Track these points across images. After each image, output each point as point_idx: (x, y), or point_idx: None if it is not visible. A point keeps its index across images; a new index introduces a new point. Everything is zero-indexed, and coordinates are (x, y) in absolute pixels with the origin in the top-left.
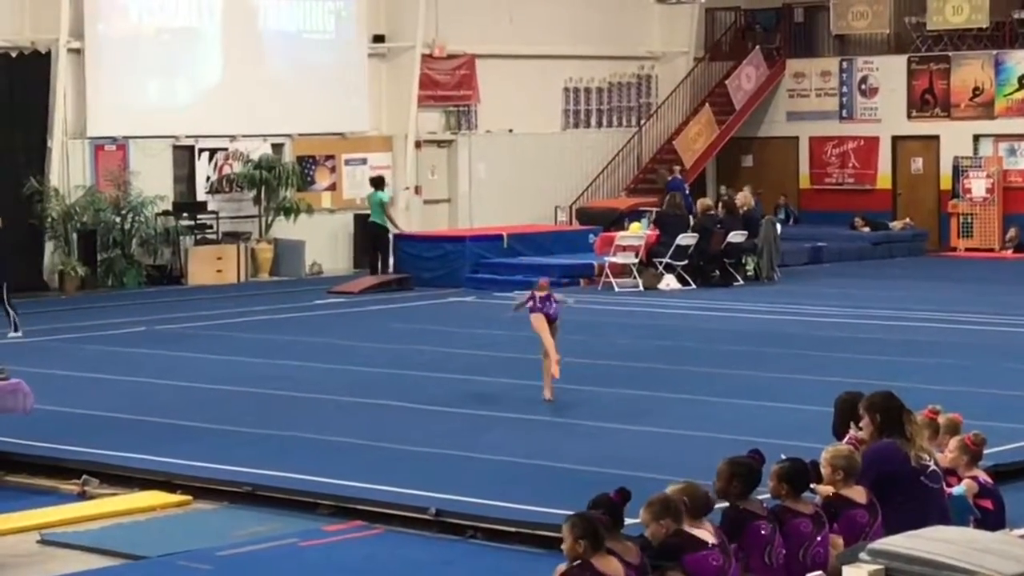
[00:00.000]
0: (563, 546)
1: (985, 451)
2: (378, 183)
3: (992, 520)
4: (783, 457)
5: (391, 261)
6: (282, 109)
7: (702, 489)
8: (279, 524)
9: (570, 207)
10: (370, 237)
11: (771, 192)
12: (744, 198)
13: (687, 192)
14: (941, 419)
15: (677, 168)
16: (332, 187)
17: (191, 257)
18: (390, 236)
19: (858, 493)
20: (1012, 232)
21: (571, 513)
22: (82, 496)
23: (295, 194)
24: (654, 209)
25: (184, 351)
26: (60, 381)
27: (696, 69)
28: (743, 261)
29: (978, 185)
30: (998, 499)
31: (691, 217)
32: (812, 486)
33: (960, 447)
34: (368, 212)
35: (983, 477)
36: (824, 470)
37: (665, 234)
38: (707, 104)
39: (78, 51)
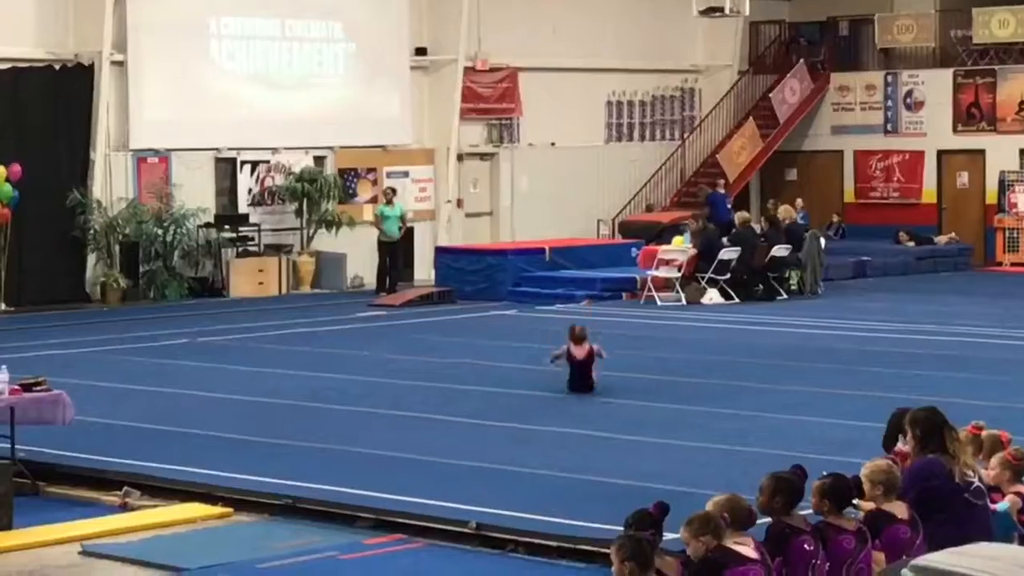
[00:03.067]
0: (613, 569)
1: None
2: (390, 196)
3: None
4: (824, 474)
5: (432, 274)
6: (324, 121)
7: (745, 502)
8: (319, 537)
9: (613, 220)
10: (385, 253)
11: (817, 207)
12: (786, 211)
13: (729, 206)
14: (984, 435)
15: (720, 182)
16: (374, 199)
17: (233, 269)
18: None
19: (899, 509)
20: None
21: (618, 535)
22: (124, 508)
23: (337, 207)
24: (687, 222)
25: (225, 363)
26: (102, 393)
27: (740, 82)
28: (787, 275)
29: None
30: None
31: (729, 228)
32: (855, 502)
33: (1002, 463)
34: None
35: None
36: (864, 486)
37: (702, 256)
38: (751, 118)
39: (121, 64)
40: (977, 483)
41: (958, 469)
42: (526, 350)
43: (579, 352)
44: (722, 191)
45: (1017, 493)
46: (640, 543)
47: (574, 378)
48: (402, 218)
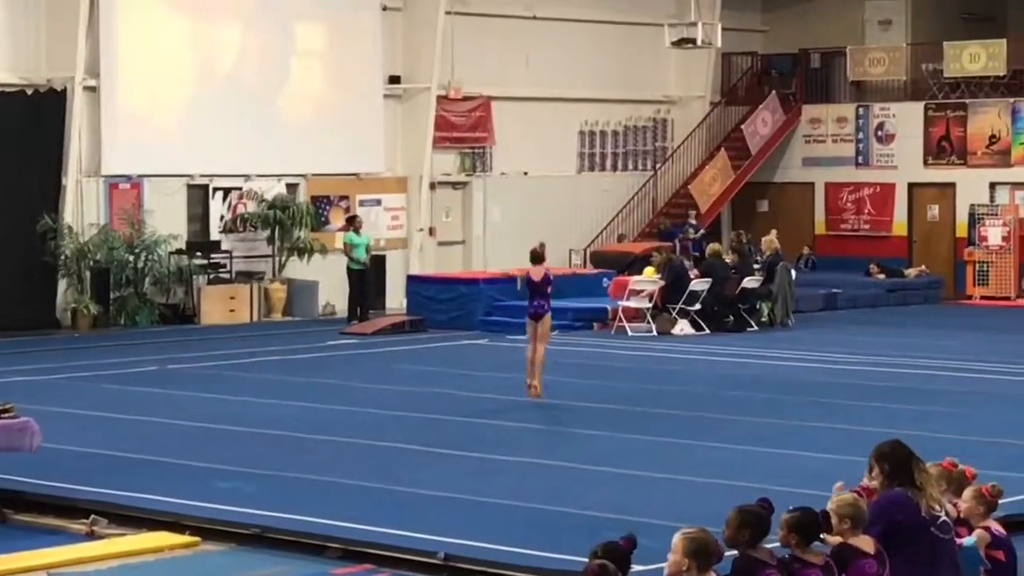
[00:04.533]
0: None
1: (999, 502)
2: (353, 222)
3: (1003, 571)
4: (791, 508)
5: (404, 302)
6: (297, 149)
7: (712, 537)
8: (287, 567)
9: (584, 250)
10: (356, 282)
11: (788, 238)
12: (768, 243)
13: (700, 235)
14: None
15: (692, 213)
16: (346, 228)
17: (204, 296)
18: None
19: (866, 543)
20: None
21: (584, 566)
22: (90, 536)
23: (309, 234)
24: (653, 254)
25: (195, 391)
26: (70, 420)
27: (712, 114)
28: (758, 307)
29: (994, 233)
30: (1010, 550)
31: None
32: (822, 536)
33: (976, 497)
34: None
35: (995, 527)
36: (832, 519)
37: (670, 287)
38: (723, 149)
39: (94, 89)
40: (944, 517)
41: (924, 503)
42: (497, 380)
43: (536, 274)
44: (694, 223)
45: (986, 528)
46: (608, 572)
47: (531, 301)
48: (367, 247)
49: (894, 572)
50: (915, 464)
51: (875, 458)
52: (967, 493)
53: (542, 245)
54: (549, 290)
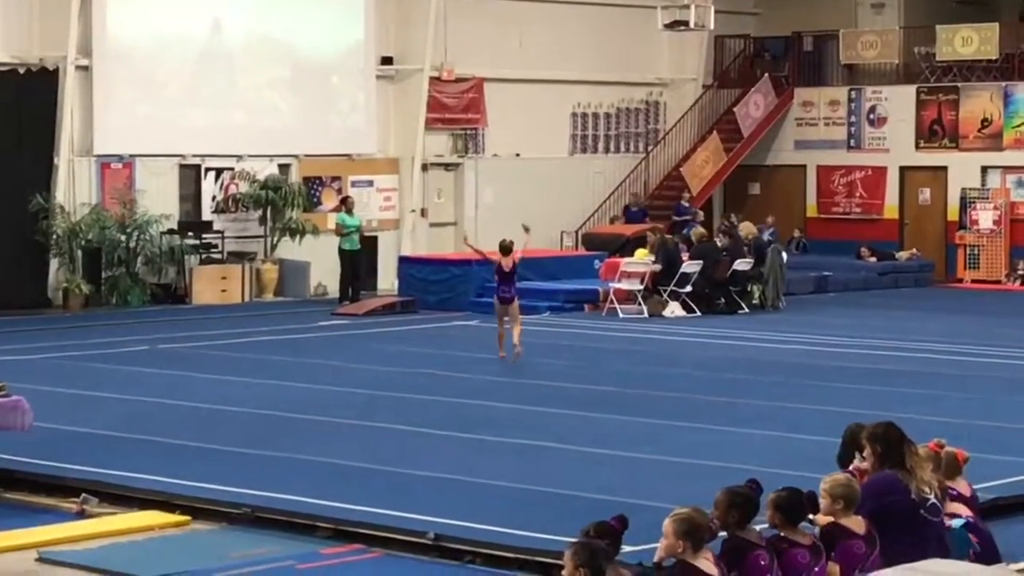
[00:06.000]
0: (564, 573)
1: (988, 484)
2: (346, 203)
3: (985, 555)
4: (778, 490)
5: (396, 283)
6: (289, 130)
7: (702, 515)
8: (277, 546)
9: (576, 232)
10: (348, 263)
11: (780, 221)
12: (747, 228)
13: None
14: (943, 453)
15: (686, 195)
16: (338, 208)
17: (196, 276)
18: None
19: (856, 523)
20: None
21: (573, 540)
22: (81, 515)
23: (301, 215)
24: (647, 235)
25: (187, 371)
26: (62, 399)
27: (704, 96)
28: (749, 289)
29: (985, 217)
30: (985, 535)
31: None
32: (811, 517)
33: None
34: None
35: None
36: (823, 499)
37: (663, 269)
38: (715, 131)
39: (86, 68)
40: (933, 500)
41: (915, 485)
42: (488, 361)
43: (506, 264)
44: (686, 204)
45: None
46: (595, 551)
47: (500, 286)
48: (359, 228)
49: (883, 553)
50: (907, 447)
51: (867, 439)
52: (923, 452)
53: (511, 242)
54: (515, 279)
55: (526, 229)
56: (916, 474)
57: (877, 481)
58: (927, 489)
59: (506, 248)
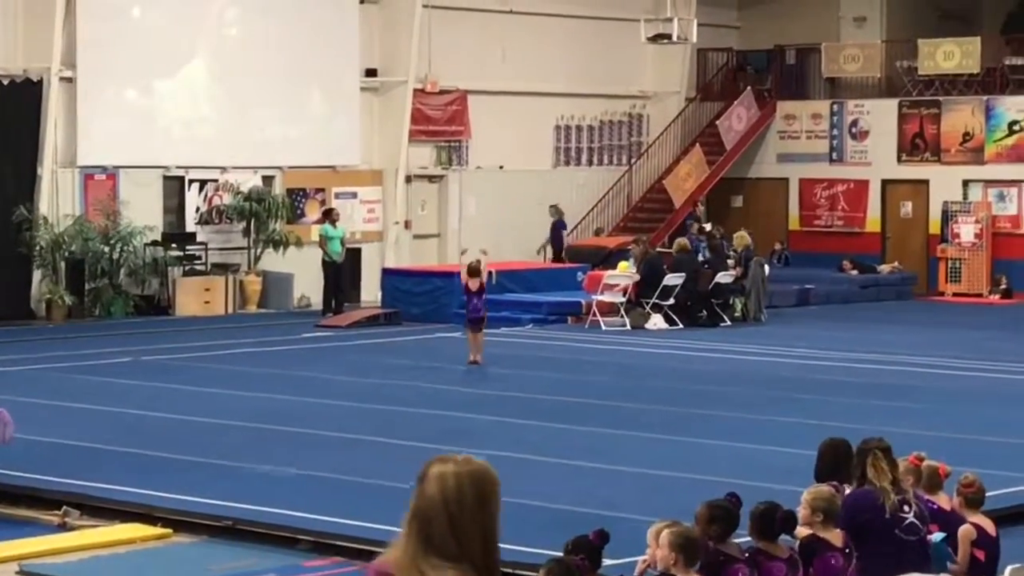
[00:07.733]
0: None
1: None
2: (330, 215)
3: (981, 570)
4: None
5: (380, 296)
6: (273, 141)
7: (696, 532)
8: (258, 559)
9: (546, 245)
10: (331, 274)
11: (762, 234)
12: (740, 239)
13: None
14: (924, 466)
15: (700, 208)
16: (321, 220)
17: (179, 288)
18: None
19: (836, 536)
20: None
21: (549, 558)
22: (62, 527)
23: (284, 227)
24: (631, 247)
25: (169, 383)
26: (44, 411)
27: (687, 109)
28: (731, 302)
29: (967, 230)
30: (991, 552)
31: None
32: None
33: (907, 470)
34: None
35: (985, 525)
36: (803, 511)
37: (646, 281)
38: (698, 144)
39: (70, 80)
40: (911, 519)
41: (890, 502)
42: (470, 373)
43: (473, 284)
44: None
45: (975, 525)
46: (569, 567)
47: (469, 310)
48: (342, 240)
49: (860, 568)
50: (872, 461)
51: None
52: (901, 466)
53: (478, 262)
54: (484, 298)
55: (484, 252)
56: (879, 485)
57: (851, 499)
58: (906, 508)
59: (474, 271)
